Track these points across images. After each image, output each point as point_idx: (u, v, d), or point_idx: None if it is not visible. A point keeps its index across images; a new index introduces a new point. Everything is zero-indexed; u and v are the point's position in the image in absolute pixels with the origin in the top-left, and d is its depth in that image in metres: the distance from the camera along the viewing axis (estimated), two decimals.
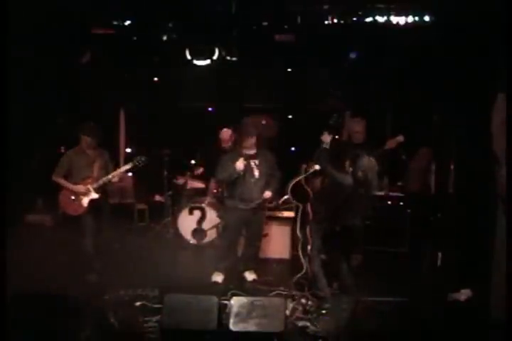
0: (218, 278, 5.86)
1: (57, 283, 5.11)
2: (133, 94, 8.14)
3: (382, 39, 6.65)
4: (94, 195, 5.78)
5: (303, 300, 5.10)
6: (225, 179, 5.80)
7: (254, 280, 5.94)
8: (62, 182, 5.82)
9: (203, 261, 6.15)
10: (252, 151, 5.74)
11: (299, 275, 5.46)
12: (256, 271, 6.02)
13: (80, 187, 5.76)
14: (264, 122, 6.16)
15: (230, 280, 5.85)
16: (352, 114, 6.89)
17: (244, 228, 5.94)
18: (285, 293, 5.39)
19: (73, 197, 5.78)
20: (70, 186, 5.78)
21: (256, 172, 5.69)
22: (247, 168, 5.66)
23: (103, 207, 5.96)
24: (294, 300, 5.15)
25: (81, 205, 5.76)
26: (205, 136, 7.68)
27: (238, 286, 5.56)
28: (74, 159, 5.86)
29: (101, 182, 5.78)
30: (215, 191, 7.23)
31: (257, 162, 5.71)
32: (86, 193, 5.76)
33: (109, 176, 5.79)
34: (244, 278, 5.96)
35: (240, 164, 5.54)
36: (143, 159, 5.81)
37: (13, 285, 3.83)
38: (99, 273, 5.73)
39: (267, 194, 5.70)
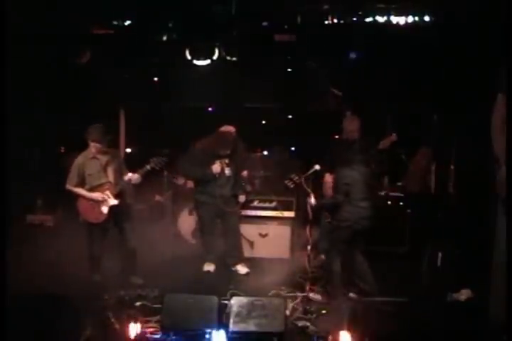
0: (210, 267, 6.13)
1: (58, 284, 5.13)
2: (133, 94, 8.12)
3: (382, 39, 6.65)
4: (114, 201, 5.54)
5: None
6: (196, 178, 6.09)
7: (247, 273, 6.09)
8: (79, 191, 5.57)
9: (203, 261, 6.16)
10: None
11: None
12: (246, 264, 6.19)
13: (98, 195, 5.53)
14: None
15: (225, 275, 6.04)
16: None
17: (220, 220, 6.18)
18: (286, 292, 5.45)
19: (93, 206, 5.55)
20: (88, 195, 5.55)
21: (227, 171, 5.98)
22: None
23: (125, 211, 5.73)
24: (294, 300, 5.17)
25: (101, 213, 5.53)
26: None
27: (238, 286, 5.56)
28: (86, 165, 5.58)
29: (119, 187, 5.57)
30: None
31: (226, 161, 5.98)
32: (105, 200, 5.54)
33: (126, 180, 5.55)
34: (237, 272, 6.13)
35: (217, 167, 5.88)
36: (162, 159, 5.57)
37: (12, 285, 3.84)
38: (103, 274, 5.71)
39: (242, 198, 6.26)
